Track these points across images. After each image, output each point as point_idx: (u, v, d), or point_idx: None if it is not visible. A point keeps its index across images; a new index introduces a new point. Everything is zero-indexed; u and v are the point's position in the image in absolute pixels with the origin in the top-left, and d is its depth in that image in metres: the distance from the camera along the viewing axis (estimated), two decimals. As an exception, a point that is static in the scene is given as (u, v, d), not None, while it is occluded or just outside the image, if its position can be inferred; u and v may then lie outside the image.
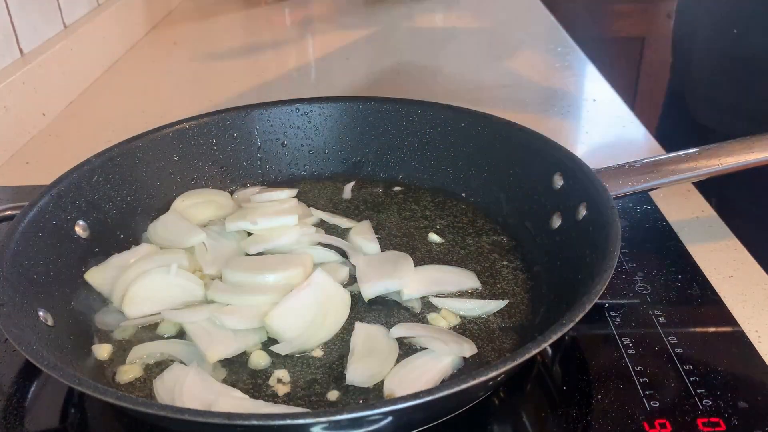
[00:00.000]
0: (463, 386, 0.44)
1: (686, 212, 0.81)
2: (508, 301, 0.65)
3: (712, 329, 0.63)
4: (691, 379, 0.57)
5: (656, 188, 0.69)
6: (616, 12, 1.96)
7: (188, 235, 0.72)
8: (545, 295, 0.65)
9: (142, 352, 0.60)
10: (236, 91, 1.22)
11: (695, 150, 0.69)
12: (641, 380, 0.57)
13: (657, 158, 0.69)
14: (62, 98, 1.16)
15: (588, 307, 0.50)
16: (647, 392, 0.56)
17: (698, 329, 0.63)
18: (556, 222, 0.70)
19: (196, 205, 0.78)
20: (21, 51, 1.07)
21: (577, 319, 0.49)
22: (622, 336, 0.62)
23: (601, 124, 1.05)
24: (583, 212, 0.65)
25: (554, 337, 0.48)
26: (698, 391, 0.56)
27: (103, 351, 0.61)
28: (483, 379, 0.45)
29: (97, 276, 0.67)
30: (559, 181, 0.70)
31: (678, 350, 0.60)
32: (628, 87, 2.03)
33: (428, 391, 0.43)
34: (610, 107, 1.10)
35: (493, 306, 0.64)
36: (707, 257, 0.72)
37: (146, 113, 1.14)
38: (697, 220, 0.80)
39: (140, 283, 0.65)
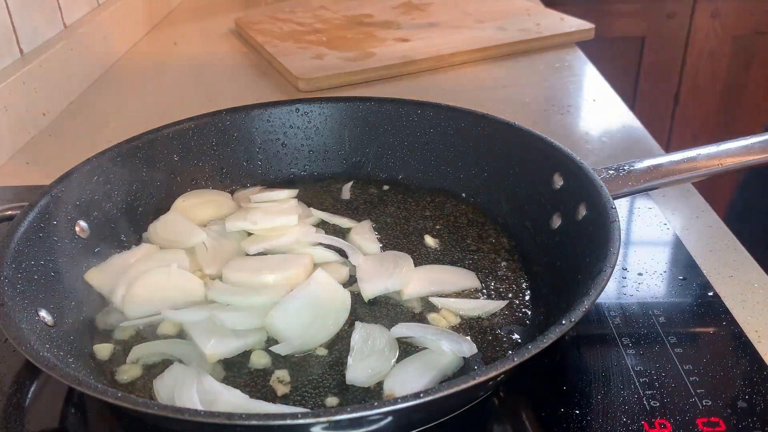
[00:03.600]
0: (463, 386, 0.44)
1: (686, 212, 0.81)
2: (507, 301, 0.65)
3: (712, 329, 0.63)
4: (691, 379, 0.57)
5: (656, 188, 0.69)
6: (616, 12, 1.96)
7: (188, 235, 0.72)
8: (545, 295, 0.65)
9: (142, 352, 0.60)
10: (236, 91, 1.22)
11: (695, 150, 0.69)
12: (641, 380, 0.57)
13: (657, 158, 0.69)
14: (62, 98, 1.16)
15: (588, 308, 0.50)
16: (647, 392, 0.56)
17: (698, 329, 0.63)
18: (556, 222, 0.70)
19: (197, 205, 0.78)
20: (21, 51, 1.07)
21: (577, 319, 0.49)
22: (622, 336, 0.62)
23: (601, 124, 1.05)
24: (583, 212, 0.65)
25: (554, 337, 0.48)
26: (698, 391, 0.56)
27: (103, 351, 0.61)
28: (483, 378, 0.45)
29: (97, 276, 0.67)
30: (558, 181, 0.70)
31: (678, 350, 0.60)
32: (628, 87, 2.03)
33: (428, 392, 0.43)
34: (610, 107, 1.10)
35: (493, 306, 0.64)
36: (707, 257, 0.72)
37: (146, 113, 1.14)
38: (697, 220, 0.80)
39: (140, 283, 0.65)
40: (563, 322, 0.49)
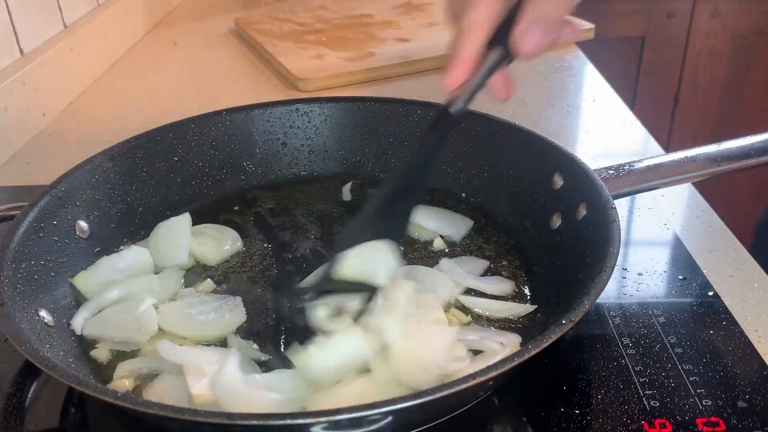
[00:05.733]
0: (463, 386, 0.44)
1: (686, 212, 0.81)
2: (536, 306, 0.64)
3: (712, 329, 0.62)
4: (691, 379, 0.57)
5: (656, 188, 0.69)
6: (616, 12, 1.96)
7: (177, 252, 0.71)
8: (545, 295, 0.65)
9: (128, 368, 0.58)
10: (236, 91, 1.22)
11: (695, 150, 0.69)
12: (641, 380, 0.57)
13: (656, 159, 0.69)
14: (62, 98, 1.16)
15: (588, 308, 0.50)
16: (647, 392, 0.56)
17: (698, 329, 0.62)
18: (556, 222, 0.70)
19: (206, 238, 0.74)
20: (21, 51, 1.06)
21: (577, 319, 0.49)
22: (621, 336, 0.62)
23: (601, 124, 1.05)
24: (582, 212, 0.65)
25: (554, 337, 0.48)
26: (698, 391, 0.56)
27: (101, 354, 0.60)
28: (483, 379, 0.45)
29: (84, 281, 0.66)
30: (558, 181, 0.70)
31: (678, 350, 0.60)
32: (628, 87, 2.02)
33: (428, 391, 0.44)
34: (609, 107, 1.10)
35: (521, 309, 0.64)
36: (707, 257, 0.72)
37: (146, 113, 1.14)
38: (697, 220, 0.80)
39: (101, 315, 0.63)
40: (563, 322, 0.49)
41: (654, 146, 0.98)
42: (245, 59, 1.37)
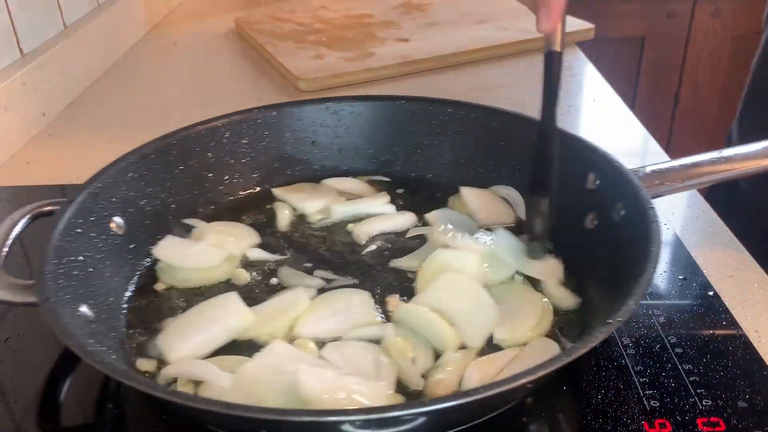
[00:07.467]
0: (510, 386, 0.44)
1: (686, 212, 0.81)
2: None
3: (711, 329, 0.63)
4: (691, 379, 0.57)
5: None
6: (616, 12, 1.94)
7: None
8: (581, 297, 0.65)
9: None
10: (236, 91, 1.22)
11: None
12: (641, 380, 0.57)
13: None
14: (62, 98, 1.15)
15: (633, 307, 0.50)
16: (647, 392, 0.56)
17: (698, 329, 0.63)
18: (592, 222, 0.69)
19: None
20: (21, 51, 1.06)
21: (624, 319, 0.49)
22: (621, 336, 0.62)
23: (601, 124, 1.05)
24: (621, 212, 0.65)
25: (601, 338, 0.48)
26: (698, 391, 0.56)
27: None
28: (522, 382, 0.45)
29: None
30: (593, 181, 0.70)
31: (678, 350, 0.60)
32: (628, 87, 2.00)
33: (465, 393, 0.44)
34: (609, 107, 1.10)
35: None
36: (707, 257, 0.73)
37: (146, 113, 1.13)
38: (697, 220, 0.80)
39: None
40: (609, 321, 0.49)
41: (654, 146, 0.98)
42: (245, 59, 1.36)
